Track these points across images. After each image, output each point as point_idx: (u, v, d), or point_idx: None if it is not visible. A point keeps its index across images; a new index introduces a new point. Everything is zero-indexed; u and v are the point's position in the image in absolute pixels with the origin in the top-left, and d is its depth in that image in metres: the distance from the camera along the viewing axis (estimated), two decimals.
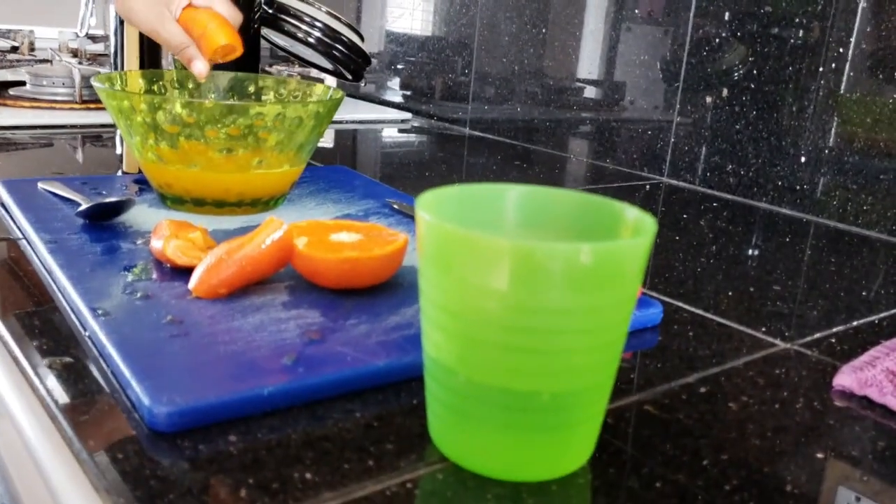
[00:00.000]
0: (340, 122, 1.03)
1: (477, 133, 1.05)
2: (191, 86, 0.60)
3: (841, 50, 0.68)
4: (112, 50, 0.62)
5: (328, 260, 0.39)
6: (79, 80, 0.91)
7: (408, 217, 0.55)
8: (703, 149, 0.79)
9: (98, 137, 0.83)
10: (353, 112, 1.06)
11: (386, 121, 1.08)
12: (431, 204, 0.28)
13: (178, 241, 0.41)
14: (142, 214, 0.51)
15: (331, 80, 1.00)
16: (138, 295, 0.38)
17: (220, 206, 0.52)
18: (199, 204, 0.52)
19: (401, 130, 1.05)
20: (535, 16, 0.97)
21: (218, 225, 0.50)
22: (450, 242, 0.25)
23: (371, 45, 1.22)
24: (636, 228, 0.28)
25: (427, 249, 0.26)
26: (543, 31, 0.96)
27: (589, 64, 0.91)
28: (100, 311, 0.36)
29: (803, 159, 0.71)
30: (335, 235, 0.42)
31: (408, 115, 1.11)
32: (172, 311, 0.36)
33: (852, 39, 0.67)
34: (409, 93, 1.18)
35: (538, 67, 0.97)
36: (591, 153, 0.91)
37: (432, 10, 1.12)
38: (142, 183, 0.58)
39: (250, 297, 0.39)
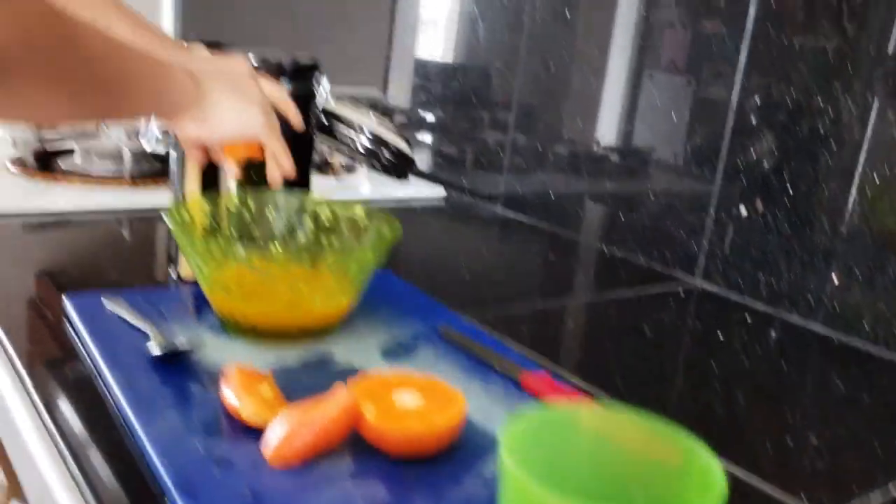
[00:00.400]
0: (372, 201, 1.05)
1: (510, 214, 1.07)
2: (252, 205, 0.63)
3: (877, 180, 0.70)
4: (172, 170, 0.65)
5: (394, 431, 0.42)
6: (129, 159, 0.94)
7: (457, 347, 0.57)
8: (739, 253, 0.81)
9: (149, 220, 0.86)
10: (385, 187, 1.08)
11: (420, 199, 1.10)
12: (513, 446, 0.30)
13: (252, 400, 0.43)
14: (208, 343, 0.53)
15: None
16: (215, 457, 0.40)
17: (280, 336, 0.54)
18: (259, 334, 0.54)
19: (435, 210, 1.08)
20: (580, 92, 0.99)
21: (280, 360, 0.52)
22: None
23: (399, 99, 1.25)
24: (703, 481, 0.30)
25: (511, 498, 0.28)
26: (578, 105, 0.99)
27: (628, 159, 0.94)
28: (182, 482, 0.38)
29: (836, 280, 0.73)
30: (397, 395, 0.45)
31: (441, 192, 1.13)
32: (251, 484, 0.39)
33: (887, 171, 0.69)
34: (440, 161, 1.20)
35: (572, 145, 1.00)
36: (624, 247, 0.93)
37: (462, 77, 1.15)
38: (200, 297, 0.61)
39: (321, 466, 0.41)
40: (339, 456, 0.42)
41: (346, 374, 0.51)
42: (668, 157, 0.88)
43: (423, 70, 1.24)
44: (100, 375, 0.49)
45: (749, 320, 0.75)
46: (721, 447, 0.50)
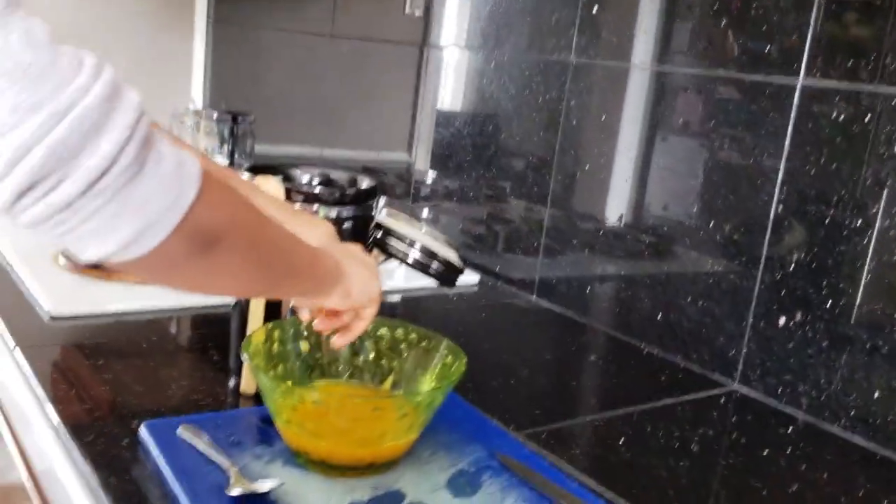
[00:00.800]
0: (407, 291, 1.07)
1: (545, 303, 1.09)
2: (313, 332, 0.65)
3: None
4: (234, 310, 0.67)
5: None
6: None
7: (516, 477, 0.59)
8: (774, 359, 0.83)
9: (204, 319, 0.89)
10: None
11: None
12: None
13: None
14: (281, 476, 0.55)
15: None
16: None
17: (349, 469, 0.56)
18: (331, 467, 0.56)
19: (469, 298, 1.10)
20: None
21: (351, 493, 0.54)
22: None
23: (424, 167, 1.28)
24: None
25: None
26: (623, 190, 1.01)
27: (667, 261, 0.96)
28: None
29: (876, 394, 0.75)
30: None
31: (475, 278, 1.16)
32: None
33: None
34: (471, 241, 1.23)
35: (609, 236, 1.02)
36: (659, 344, 0.95)
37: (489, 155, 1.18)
38: (268, 421, 0.62)
39: None
40: None
41: None
42: (710, 254, 0.90)
43: (448, 142, 1.27)
44: None
45: (790, 431, 0.77)
46: None
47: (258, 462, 0.57)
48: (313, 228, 0.60)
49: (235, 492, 0.52)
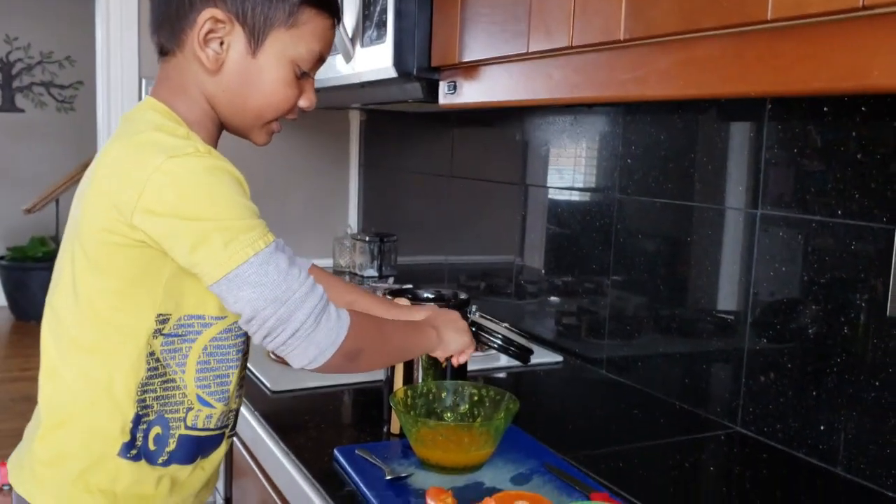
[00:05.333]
0: (510, 368, 1.48)
1: (612, 375, 1.46)
2: (434, 389, 1.07)
3: None
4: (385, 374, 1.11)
5: None
6: None
7: (556, 477, 0.97)
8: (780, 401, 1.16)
9: (366, 394, 1.33)
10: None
11: (542, 364, 1.51)
12: None
13: (440, 502, 0.86)
14: (415, 473, 0.96)
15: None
16: None
17: (453, 470, 0.97)
18: (441, 469, 0.97)
19: (552, 374, 1.49)
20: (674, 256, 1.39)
21: (454, 483, 0.94)
22: None
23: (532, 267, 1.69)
24: None
25: None
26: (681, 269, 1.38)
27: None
28: None
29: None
30: (518, 501, 0.85)
31: (559, 357, 1.54)
32: None
33: None
34: (561, 328, 1.62)
35: (675, 319, 1.38)
36: (677, 395, 1.29)
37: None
38: (407, 447, 1.04)
39: None
40: None
41: (492, 491, 0.92)
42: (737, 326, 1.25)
43: (552, 243, 1.68)
44: (359, 490, 0.93)
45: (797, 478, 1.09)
46: None
47: (400, 466, 0.99)
48: (420, 311, 1.04)
49: (389, 477, 0.94)
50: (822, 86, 0.71)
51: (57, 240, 5.17)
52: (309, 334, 0.79)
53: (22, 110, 5.47)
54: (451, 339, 1.01)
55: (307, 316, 0.79)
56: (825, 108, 1.06)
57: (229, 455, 1.37)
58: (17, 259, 5.10)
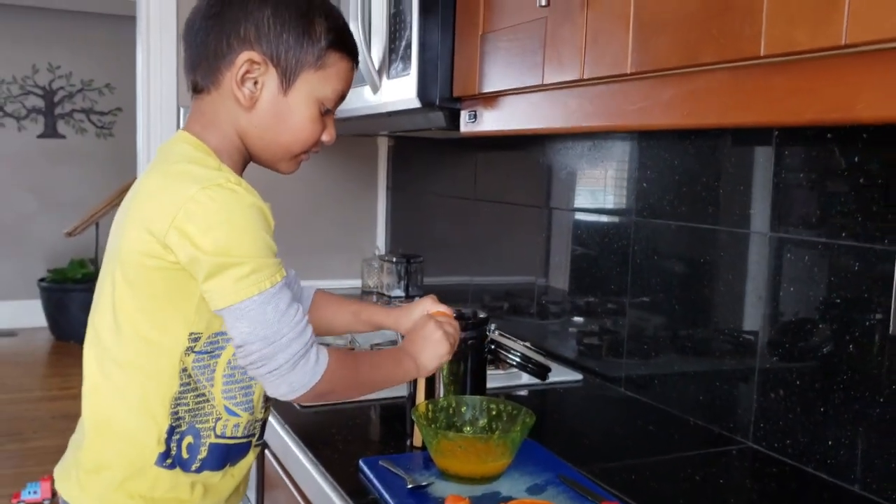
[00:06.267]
0: (531, 386, 1.52)
1: (630, 393, 1.50)
2: (453, 404, 1.13)
3: None
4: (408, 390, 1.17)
5: None
6: None
7: (569, 488, 1.02)
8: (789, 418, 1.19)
9: (389, 409, 1.39)
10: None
11: (562, 382, 1.56)
12: None
13: None
14: (435, 482, 1.01)
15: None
16: None
17: (472, 480, 1.02)
18: (460, 479, 1.02)
19: (571, 391, 1.53)
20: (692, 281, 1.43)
21: (472, 492, 0.99)
22: None
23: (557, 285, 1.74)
24: None
25: None
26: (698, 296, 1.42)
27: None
28: None
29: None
30: None
31: (579, 376, 1.59)
32: None
33: None
34: (582, 348, 1.66)
35: (694, 339, 1.42)
36: (692, 412, 1.33)
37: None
38: (428, 458, 1.09)
39: None
40: None
41: (508, 500, 0.97)
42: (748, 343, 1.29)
43: (575, 264, 1.73)
44: (382, 499, 0.99)
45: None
46: None
47: (421, 476, 1.04)
48: (411, 312, 1.08)
49: (410, 486, 0.99)
50: (813, 117, 0.76)
51: (96, 262, 5.33)
52: (285, 374, 0.87)
53: (63, 136, 5.67)
54: (428, 360, 1.03)
55: (287, 360, 0.87)
56: (829, 135, 1.11)
57: (261, 467, 1.43)
58: (57, 281, 5.26)
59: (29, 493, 2.92)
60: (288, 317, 0.86)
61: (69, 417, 3.76)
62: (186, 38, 0.95)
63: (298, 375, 0.87)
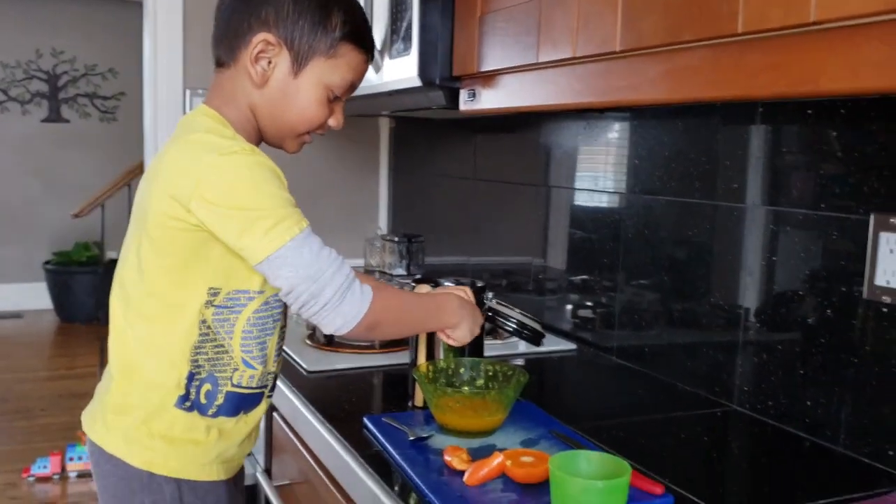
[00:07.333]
0: (528, 354, 1.59)
1: (622, 361, 1.57)
2: (453, 365, 1.19)
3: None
4: (411, 345, 1.24)
5: (520, 470, 0.94)
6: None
7: (560, 442, 1.09)
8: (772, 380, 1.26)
9: (391, 375, 1.46)
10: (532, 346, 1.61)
11: (558, 351, 1.62)
12: (559, 464, 0.82)
13: (457, 460, 0.98)
14: (434, 435, 1.08)
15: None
16: (443, 482, 0.94)
17: (469, 433, 1.09)
18: (458, 433, 1.09)
19: (566, 360, 1.60)
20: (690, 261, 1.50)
21: (469, 444, 1.06)
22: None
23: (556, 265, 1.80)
24: None
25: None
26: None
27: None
28: (431, 488, 0.92)
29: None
30: (524, 457, 0.97)
31: (573, 346, 1.65)
32: (460, 492, 0.92)
33: None
34: (577, 321, 1.73)
35: (689, 311, 1.49)
36: (680, 378, 1.39)
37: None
38: (428, 415, 1.16)
39: (487, 487, 0.94)
40: (496, 483, 0.95)
41: (501, 450, 1.04)
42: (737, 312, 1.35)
43: (572, 243, 1.79)
44: (386, 450, 1.06)
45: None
46: None
47: (422, 430, 1.11)
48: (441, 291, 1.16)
49: (411, 438, 1.06)
50: (783, 91, 0.82)
51: (101, 245, 5.40)
52: (336, 307, 0.94)
53: (67, 120, 5.72)
54: (465, 327, 1.10)
55: (334, 292, 0.93)
56: (809, 111, 1.17)
57: (269, 430, 1.50)
58: (62, 264, 5.34)
59: (39, 467, 2.99)
60: (324, 255, 0.93)
61: (76, 396, 3.85)
62: (216, 14, 1.03)
63: (348, 306, 0.94)
